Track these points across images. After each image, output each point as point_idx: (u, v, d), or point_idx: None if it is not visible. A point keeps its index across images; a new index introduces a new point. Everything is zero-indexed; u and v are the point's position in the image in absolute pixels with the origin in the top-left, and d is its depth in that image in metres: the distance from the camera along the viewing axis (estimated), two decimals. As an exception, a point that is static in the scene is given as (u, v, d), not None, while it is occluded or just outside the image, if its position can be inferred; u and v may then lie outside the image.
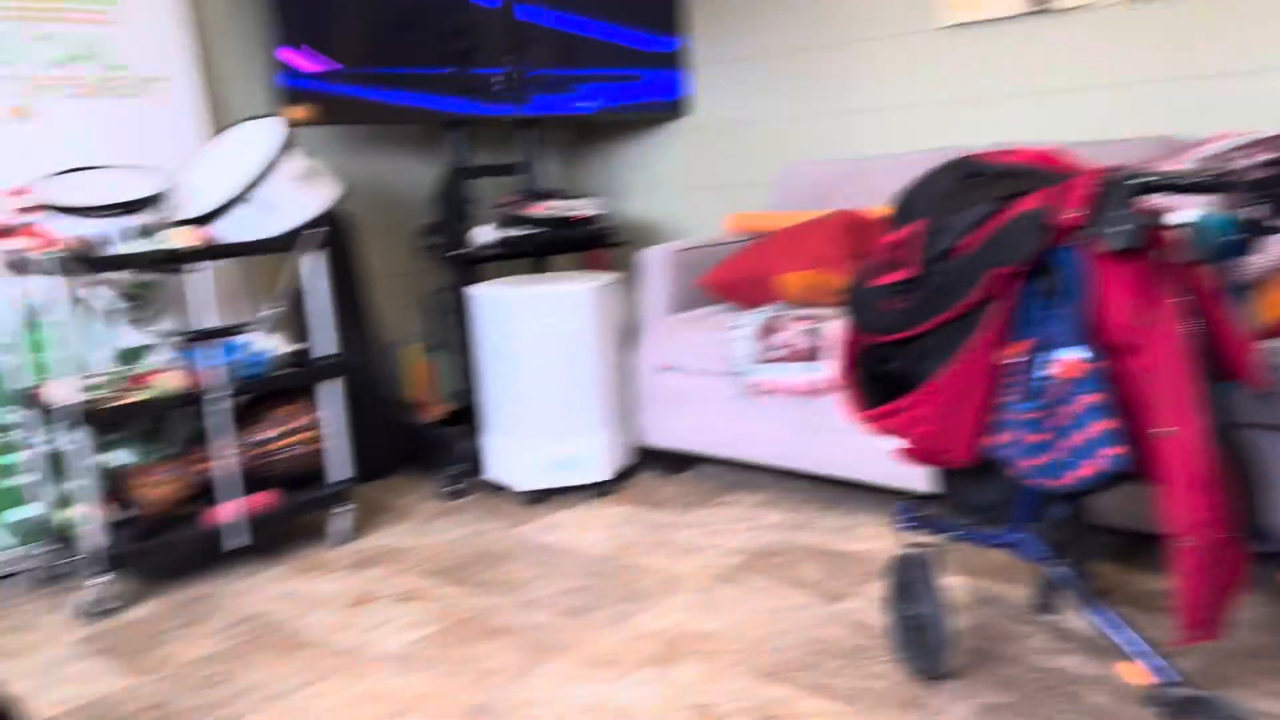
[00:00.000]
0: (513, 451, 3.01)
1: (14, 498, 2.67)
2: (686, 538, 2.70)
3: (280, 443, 2.76)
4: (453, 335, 3.33)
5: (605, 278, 3.05)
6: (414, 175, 3.78)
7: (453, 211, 3.27)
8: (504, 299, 2.92)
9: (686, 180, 3.99)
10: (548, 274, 3.28)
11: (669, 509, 2.93)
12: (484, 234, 3.25)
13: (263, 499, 2.68)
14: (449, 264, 3.27)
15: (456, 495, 3.13)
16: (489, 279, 3.20)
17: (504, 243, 3.27)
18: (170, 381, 2.52)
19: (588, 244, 3.43)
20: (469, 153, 3.88)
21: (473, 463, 3.19)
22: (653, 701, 1.90)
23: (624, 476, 3.22)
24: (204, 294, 2.51)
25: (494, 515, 2.97)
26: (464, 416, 3.45)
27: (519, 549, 2.70)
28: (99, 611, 2.41)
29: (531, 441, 2.96)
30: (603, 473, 3.02)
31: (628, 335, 3.13)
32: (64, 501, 2.72)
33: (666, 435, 3.10)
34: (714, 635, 2.14)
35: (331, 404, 2.80)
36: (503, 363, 2.97)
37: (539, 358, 2.92)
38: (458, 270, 3.26)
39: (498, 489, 3.17)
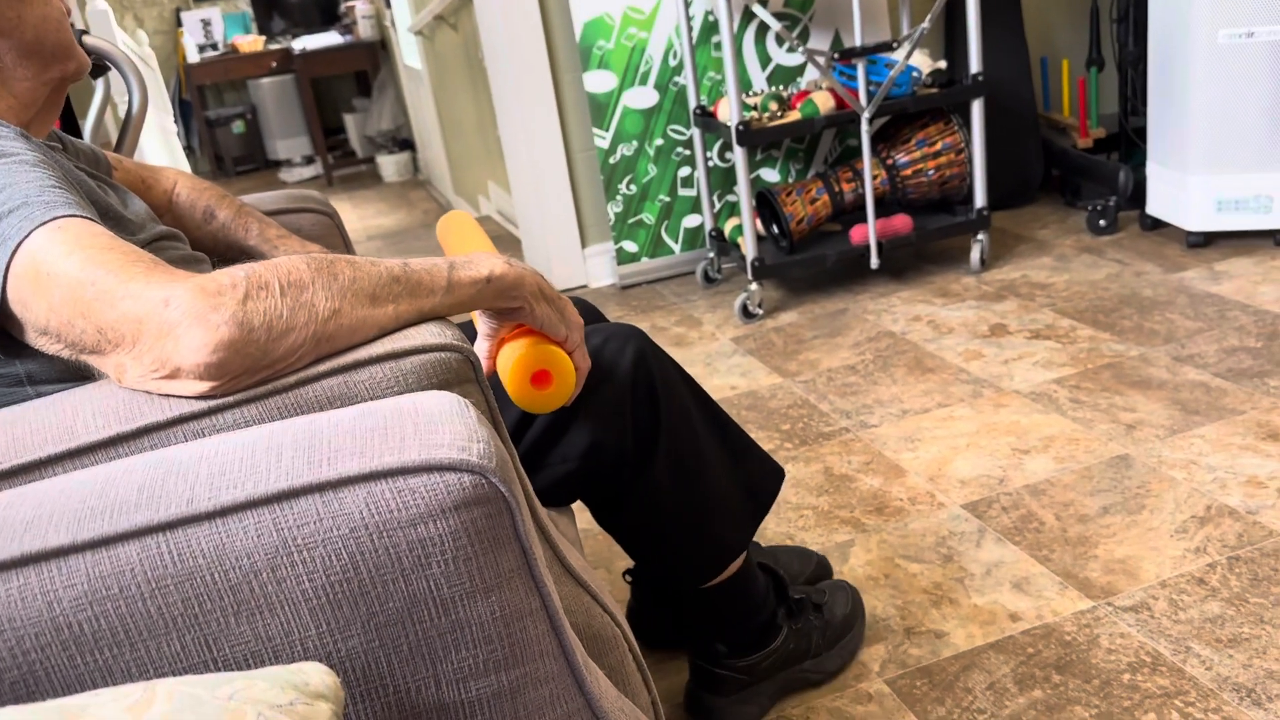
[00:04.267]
0: (1178, 185, 2.63)
1: (687, 206, 3.00)
2: (1405, 303, 2.20)
3: (919, 165, 2.71)
4: (1118, 47, 2.93)
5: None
6: None
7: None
8: (1192, 1, 2.45)
9: None
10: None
11: (1382, 266, 2.39)
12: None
13: (900, 222, 2.69)
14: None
15: (1105, 230, 2.87)
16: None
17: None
18: (820, 101, 2.57)
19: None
20: None
21: (1126, 195, 2.87)
22: (1340, 490, 1.62)
23: (1320, 222, 2.67)
24: (857, 9, 2.46)
25: (1147, 256, 2.68)
26: (1119, 142, 3.09)
27: (1176, 296, 2.41)
28: (751, 314, 2.67)
29: (1202, 175, 2.56)
30: (1292, 216, 2.53)
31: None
32: (725, 213, 3.00)
33: (1392, 174, 2.47)
34: None
35: (974, 127, 2.65)
36: (1177, 80, 2.55)
37: (1226, 74, 2.45)
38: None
39: (1154, 226, 2.83)
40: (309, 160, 6.44)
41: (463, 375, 0.79)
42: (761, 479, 1.28)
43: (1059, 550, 1.59)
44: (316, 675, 0.53)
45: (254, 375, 0.72)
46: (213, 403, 0.71)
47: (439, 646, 0.61)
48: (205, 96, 6.48)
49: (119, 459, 0.69)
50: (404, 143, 6.12)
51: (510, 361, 0.94)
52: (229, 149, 6.45)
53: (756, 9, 2.53)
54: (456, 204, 4.92)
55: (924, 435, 1.98)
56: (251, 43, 6.20)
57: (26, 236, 0.74)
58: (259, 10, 6.44)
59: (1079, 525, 1.64)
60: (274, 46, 6.24)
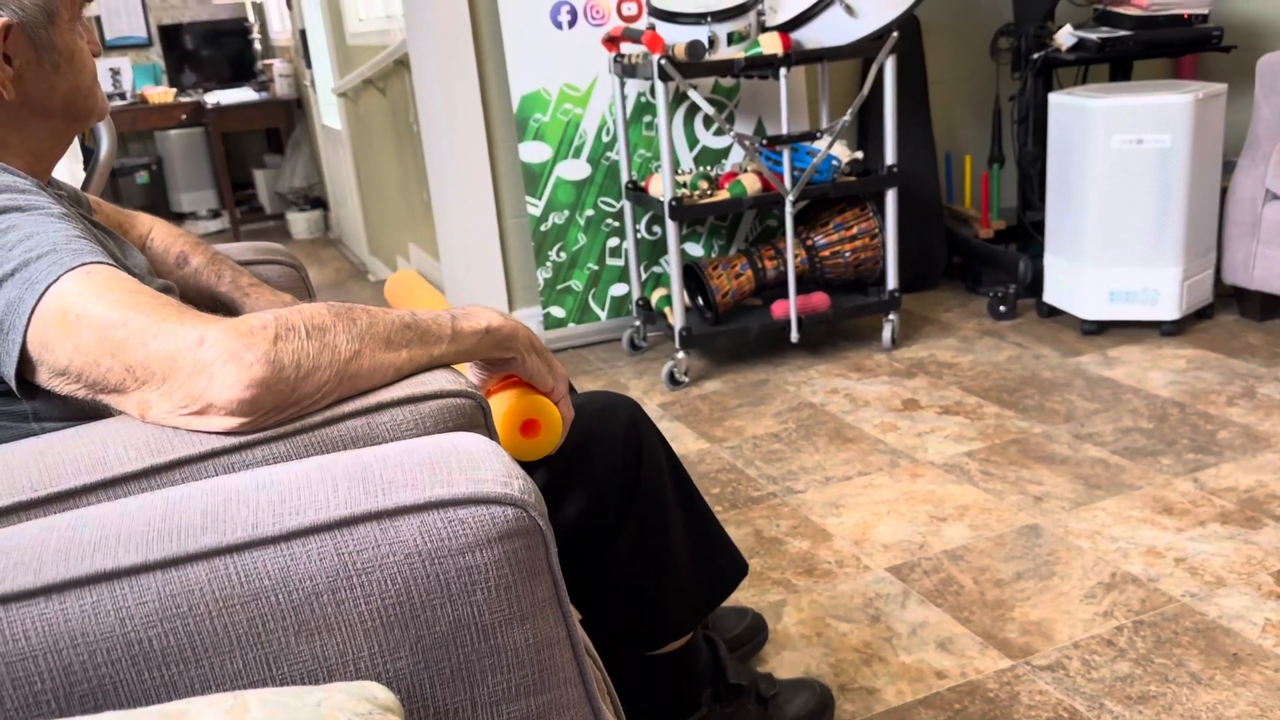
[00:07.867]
0: (1073, 276, 2.84)
1: (614, 275, 3.08)
2: (1275, 392, 2.40)
3: (837, 248, 2.85)
4: (1018, 146, 3.16)
5: (1208, 88, 2.67)
6: (987, -28, 3.54)
7: (1035, 9, 3.03)
8: (1088, 108, 2.68)
9: (1325, -31, 3.30)
10: (1132, 82, 2.95)
11: (1254, 358, 2.61)
12: (1067, 35, 2.98)
13: (819, 299, 2.82)
14: (1026, 68, 3.07)
15: (1005, 315, 3.05)
16: (1062, 87, 2.95)
17: (1086, 45, 2.98)
18: (748, 183, 2.70)
19: (1186, 48, 3.01)
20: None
21: (1025, 284, 3.07)
22: (1226, 559, 1.76)
23: (1197, 317, 2.90)
24: (784, 99, 2.61)
25: (1045, 341, 2.86)
26: (1017, 234, 3.30)
27: (1074, 379, 2.58)
28: (678, 382, 2.74)
29: (1096, 268, 2.77)
30: (1173, 310, 2.74)
31: (1227, 156, 2.75)
32: (652, 283, 3.09)
33: (1262, 274, 2.72)
34: (1308, 503, 1.91)
35: (888, 214, 2.82)
36: (1073, 179, 2.77)
37: (1118, 176, 2.67)
38: (1034, 75, 3.05)
39: (1050, 314, 3.03)
40: (215, 214, 6.34)
41: (475, 420, 0.83)
42: (722, 569, 1.32)
43: (978, 612, 1.68)
44: (382, 692, 0.56)
45: (280, 413, 0.75)
46: (244, 438, 0.74)
47: (478, 670, 0.65)
48: (110, 144, 6.34)
49: (150, 490, 0.71)
50: (315, 201, 6.09)
51: (501, 411, 0.99)
52: (131, 198, 6.30)
53: (692, 94, 2.66)
54: (371, 264, 4.90)
55: (847, 501, 2.07)
56: (161, 94, 6.12)
57: (55, 280, 0.77)
58: (170, 63, 6.38)
59: (995, 589, 1.74)
60: (185, 99, 6.17)
